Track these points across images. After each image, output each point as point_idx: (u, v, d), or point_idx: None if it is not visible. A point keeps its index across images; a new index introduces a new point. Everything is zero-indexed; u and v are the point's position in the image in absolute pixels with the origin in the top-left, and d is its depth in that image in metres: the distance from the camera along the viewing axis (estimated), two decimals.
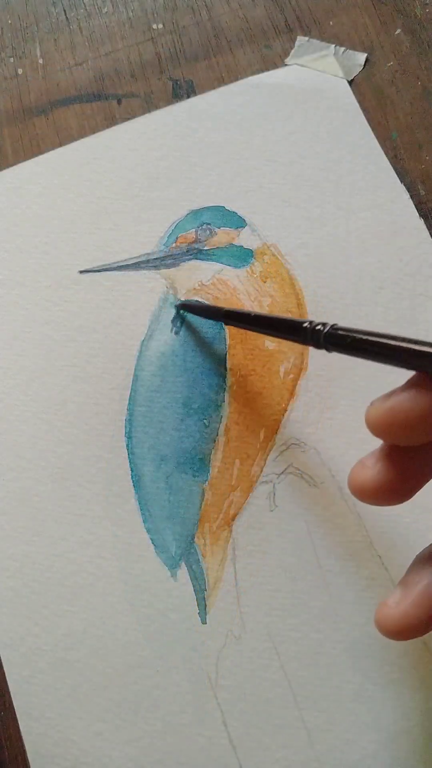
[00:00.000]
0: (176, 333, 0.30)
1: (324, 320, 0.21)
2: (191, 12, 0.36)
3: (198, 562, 0.28)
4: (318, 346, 0.20)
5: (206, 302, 0.30)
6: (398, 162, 0.32)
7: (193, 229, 0.32)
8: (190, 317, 0.30)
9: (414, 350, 0.17)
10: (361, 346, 0.19)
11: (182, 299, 0.31)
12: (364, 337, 0.19)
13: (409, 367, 0.18)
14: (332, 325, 0.20)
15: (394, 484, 0.19)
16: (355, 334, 0.19)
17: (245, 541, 0.28)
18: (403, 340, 0.18)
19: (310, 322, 0.21)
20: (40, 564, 0.28)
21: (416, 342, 0.17)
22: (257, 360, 0.29)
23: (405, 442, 0.19)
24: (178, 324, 0.30)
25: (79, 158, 0.34)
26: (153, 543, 0.28)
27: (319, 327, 0.20)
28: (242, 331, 0.30)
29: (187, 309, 0.30)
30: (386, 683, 0.25)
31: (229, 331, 0.30)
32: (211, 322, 0.30)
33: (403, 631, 0.19)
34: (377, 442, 0.22)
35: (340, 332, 0.20)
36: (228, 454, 0.29)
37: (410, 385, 0.18)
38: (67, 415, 0.30)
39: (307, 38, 0.35)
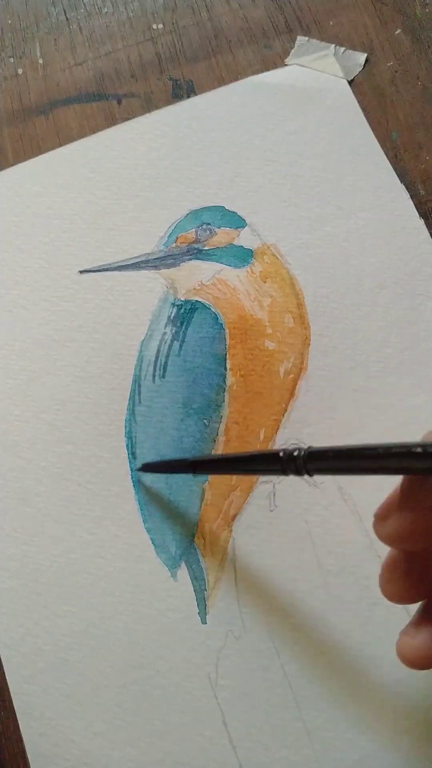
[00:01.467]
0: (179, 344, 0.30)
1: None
2: (191, 12, 0.36)
3: (198, 562, 0.28)
4: (299, 473, 0.19)
5: (165, 459, 0.29)
6: (398, 162, 0.32)
7: (193, 229, 0.32)
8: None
9: (395, 452, 0.17)
10: (340, 462, 0.18)
11: (182, 299, 0.31)
12: (343, 450, 0.18)
13: (395, 472, 0.17)
14: (308, 448, 0.19)
15: None
16: (331, 451, 0.18)
17: (245, 541, 0.28)
18: (380, 447, 0.17)
19: (284, 451, 0.19)
20: (40, 564, 0.28)
21: (394, 446, 0.17)
22: (257, 360, 0.29)
23: None
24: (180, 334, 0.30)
25: (79, 158, 0.34)
26: (153, 543, 0.28)
27: (295, 452, 0.19)
28: (242, 331, 0.30)
29: (149, 470, 0.28)
30: (386, 683, 0.25)
31: (229, 331, 0.30)
32: (210, 322, 0.30)
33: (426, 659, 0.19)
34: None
35: (316, 452, 0.19)
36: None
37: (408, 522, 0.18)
38: (67, 415, 0.30)
39: (307, 38, 0.35)
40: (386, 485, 0.28)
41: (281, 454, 0.19)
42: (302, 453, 0.19)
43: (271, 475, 0.20)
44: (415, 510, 0.18)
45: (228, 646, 0.26)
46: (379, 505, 0.19)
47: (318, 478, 0.28)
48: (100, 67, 0.36)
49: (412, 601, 0.20)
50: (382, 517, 0.19)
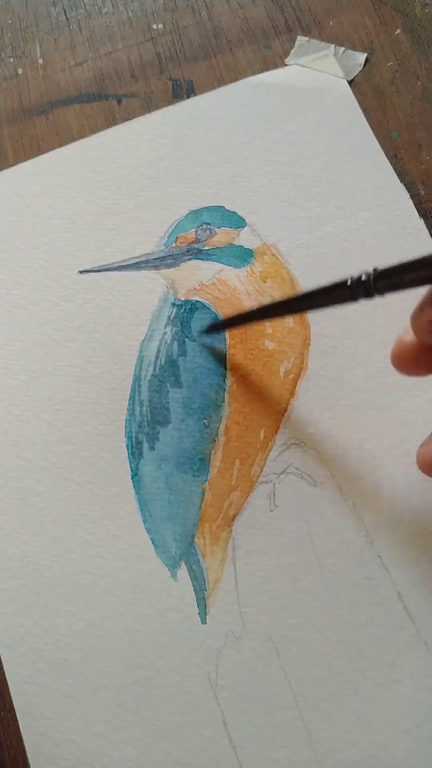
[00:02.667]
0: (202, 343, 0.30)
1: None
2: (191, 12, 0.36)
3: (198, 562, 0.28)
4: (370, 294, 0.20)
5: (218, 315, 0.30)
6: (398, 162, 0.32)
7: (193, 229, 0.32)
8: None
9: None
10: (410, 274, 0.18)
11: (182, 299, 0.31)
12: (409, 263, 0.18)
13: None
14: (375, 270, 0.20)
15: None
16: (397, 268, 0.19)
17: (245, 541, 0.28)
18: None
19: (350, 278, 0.20)
20: (40, 564, 0.28)
21: None
22: (257, 360, 0.29)
23: None
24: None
25: (79, 158, 0.34)
26: (153, 543, 0.28)
27: (363, 278, 0.20)
28: (242, 330, 0.30)
29: (216, 329, 0.30)
30: (386, 683, 0.25)
31: (228, 331, 0.30)
32: (210, 321, 0.30)
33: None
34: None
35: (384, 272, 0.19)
36: (228, 454, 0.29)
37: None
38: (67, 415, 0.30)
39: (307, 38, 0.35)
40: (386, 485, 0.28)
41: (348, 282, 0.20)
42: (370, 275, 0.19)
43: (342, 304, 0.21)
44: None
45: (228, 646, 0.26)
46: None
47: (318, 478, 0.28)
48: (100, 67, 0.36)
49: (424, 372, 0.22)
50: (420, 308, 0.20)
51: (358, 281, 0.20)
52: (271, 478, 0.28)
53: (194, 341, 0.30)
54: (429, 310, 0.20)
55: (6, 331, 0.31)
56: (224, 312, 0.30)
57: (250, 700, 0.26)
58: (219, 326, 0.30)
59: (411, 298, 0.20)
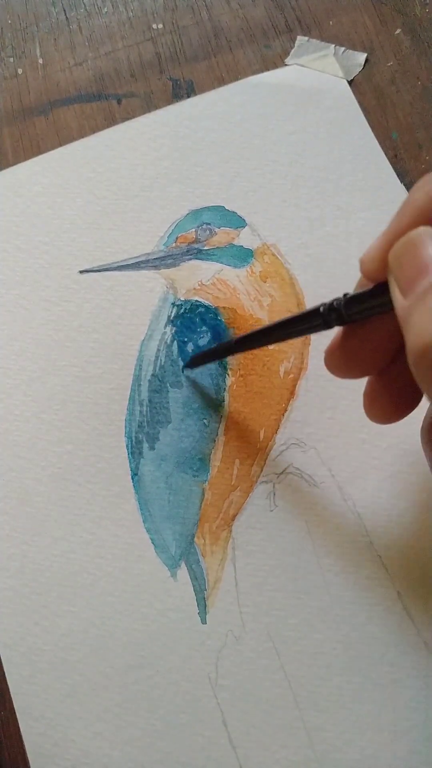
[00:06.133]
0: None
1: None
2: (191, 12, 0.36)
3: (198, 562, 0.28)
4: (342, 321, 0.20)
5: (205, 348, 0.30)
6: (398, 162, 0.32)
7: (193, 229, 0.32)
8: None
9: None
10: (378, 299, 0.19)
11: (182, 299, 0.31)
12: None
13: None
14: (345, 295, 0.20)
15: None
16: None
17: (245, 541, 0.28)
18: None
19: (323, 305, 0.20)
20: (40, 564, 0.28)
21: None
22: (257, 360, 0.29)
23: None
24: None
25: (79, 158, 0.34)
26: (153, 543, 0.28)
27: (334, 303, 0.20)
28: (243, 330, 0.30)
29: (194, 363, 0.29)
30: (386, 683, 0.25)
31: (229, 330, 0.30)
32: (210, 320, 0.30)
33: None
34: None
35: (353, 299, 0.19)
36: (228, 454, 0.29)
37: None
38: (67, 415, 0.30)
39: (307, 38, 0.35)
40: (387, 486, 0.28)
41: (321, 309, 0.20)
42: (341, 302, 0.20)
43: (315, 332, 0.21)
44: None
45: (228, 646, 0.26)
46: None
47: (318, 478, 0.28)
48: (100, 67, 0.36)
49: (393, 419, 0.23)
50: (328, 354, 0.22)
51: (329, 308, 0.20)
52: (271, 478, 0.28)
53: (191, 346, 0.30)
54: (338, 352, 0.21)
55: (6, 331, 0.31)
56: (224, 312, 0.30)
57: (250, 700, 0.26)
58: (198, 360, 0.29)
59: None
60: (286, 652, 0.26)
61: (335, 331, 0.22)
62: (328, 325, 0.20)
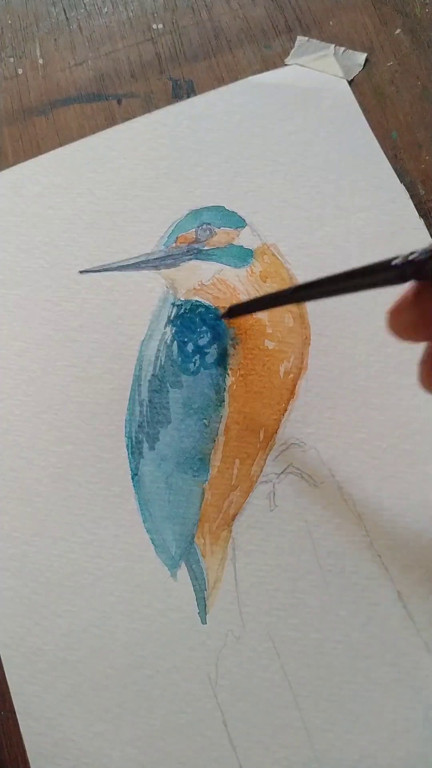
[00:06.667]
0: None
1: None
2: (191, 12, 0.36)
3: (198, 562, 0.28)
4: (419, 275, 0.18)
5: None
6: (398, 162, 0.32)
7: (193, 229, 0.32)
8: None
9: None
10: None
11: (182, 299, 0.31)
12: None
13: None
14: (425, 249, 0.18)
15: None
16: None
17: (245, 541, 0.28)
18: None
19: (397, 257, 0.19)
20: (40, 564, 0.28)
21: None
22: (257, 360, 0.29)
23: None
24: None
25: (79, 158, 0.34)
26: (153, 543, 0.28)
27: (410, 256, 0.18)
28: (243, 330, 0.30)
29: (238, 312, 0.28)
30: (386, 683, 0.25)
31: (228, 330, 0.30)
32: (210, 320, 0.30)
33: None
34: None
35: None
36: (228, 453, 0.29)
37: None
38: (67, 415, 0.30)
39: (307, 38, 0.35)
40: (387, 486, 0.28)
41: (395, 262, 0.19)
42: (425, 254, 0.18)
43: (387, 285, 0.19)
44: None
45: (228, 646, 0.26)
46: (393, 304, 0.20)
47: (318, 478, 0.28)
48: (100, 67, 0.36)
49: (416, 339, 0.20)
50: (396, 312, 0.20)
51: (406, 261, 0.18)
52: (271, 478, 0.28)
53: (194, 341, 0.30)
54: (409, 310, 0.19)
55: (6, 331, 0.31)
56: (224, 312, 0.30)
57: (250, 700, 0.26)
58: (239, 310, 0.29)
59: None
60: (286, 652, 0.26)
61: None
62: (403, 279, 0.19)
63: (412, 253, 0.18)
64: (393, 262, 0.19)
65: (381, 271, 0.19)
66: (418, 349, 0.21)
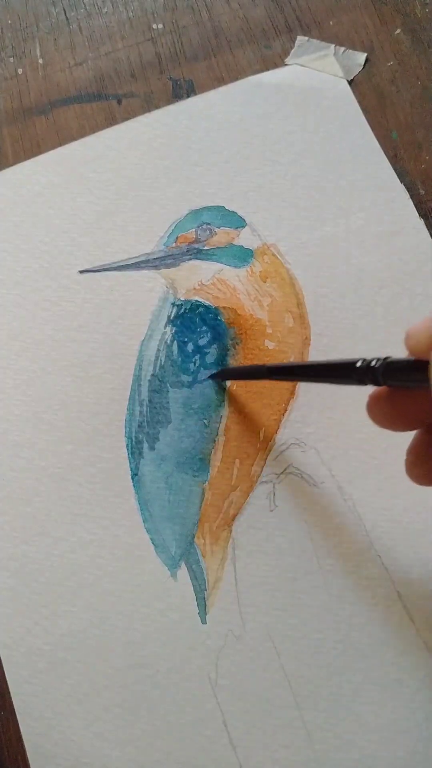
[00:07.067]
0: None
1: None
2: (191, 12, 0.36)
3: (198, 562, 0.28)
4: (376, 382, 0.19)
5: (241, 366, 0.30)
6: (398, 162, 0.32)
7: (193, 229, 0.32)
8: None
9: None
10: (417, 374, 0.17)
11: (182, 299, 0.31)
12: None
13: None
14: (385, 359, 0.19)
15: None
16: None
17: (245, 541, 0.28)
18: None
19: (363, 360, 0.19)
20: (40, 564, 0.28)
21: None
22: (257, 359, 0.29)
23: None
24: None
25: (79, 158, 0.34)
26: (153, 543, 0.28)
27: (372, 363, 0.19)
28: (243, 330, 0.30)
29: (223, 376, 0.29)
30: (386, 683, 0.25)
31: (228, 330, 0.30)
32: (210, 320, 0.30)
33: None
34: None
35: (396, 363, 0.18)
36: (228, 453, 0.29)
37: None
38: (67, 415, 0.30)
39: (307, 38, 0.35)
40: (387, 486, 0.28)
41: (358, 364, 0.19)
42: (380, 365, 0.18)
43: (348, 384, 0.20)
44: None
45: (228, 646, 0.26)
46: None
47: (318, 478, 0.28)
48: (100, 67, 0.36)
49: (394, 429, 0.20)
50: (371, 403, 0.20)
51: (367, 367, 0.19)
52: (271, 478, 0.28)
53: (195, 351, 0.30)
54: (383, 402, 0.19)
55: (6, 331, 0.31)
56: (224, 312, 0.30)
57: (250, 700, 0.26)
58: (224, 375, 0.29)
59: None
60: (286, 652, 0.26)
61: None
62: (361, 383, 0.19)
63: (374, 359, 0.19)
64: (357, 365, 0.19)
65: (346, 371, 0.20)
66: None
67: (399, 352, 0.29)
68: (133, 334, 0.31)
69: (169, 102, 0.34)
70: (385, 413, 0.20)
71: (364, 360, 0.19)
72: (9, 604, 0.28)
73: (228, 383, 0.29)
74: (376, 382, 0.19)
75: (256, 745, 0.25)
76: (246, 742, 0.25)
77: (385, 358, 0.19)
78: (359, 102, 0.33)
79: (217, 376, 0.29)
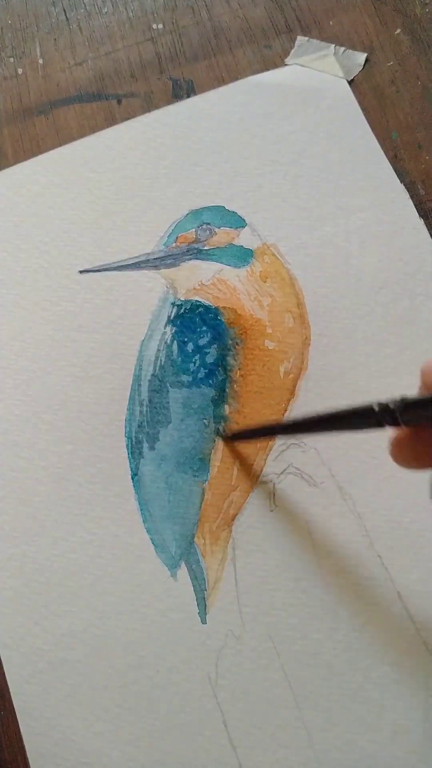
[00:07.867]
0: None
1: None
2: (191, 12, 0.36)
3: (198, 562, 0.28)
4: (395, 423, 0.18)
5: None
6: (398, 162, 0.32)
7: (193, 229, 0.32)
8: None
9: None
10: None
11: (182, 299, 0.31)
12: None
13: None
14: (402, 398, 0.18)
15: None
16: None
17: (245, 541, 0.28)
18: None
19: (378, 403, 0.19)
20: (40, 564, 0.28)
21: None
22: (257, 360, 0.29)
23: None
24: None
25: (79, 158, 0.34)
26: (153, 543, 0.28)
27: (390, 404, 0.18)
28: (243, 330, 0.30)
29: (237, 438, 0.29)
30: (386, 683, 0.25)
31: (228, 330, 0.30)
32: (210, 321, 0.30)
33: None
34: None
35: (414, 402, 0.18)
36: (228, 454, 0.29)
37: None
38: (67, 415, 0.30)
39: (307, 38, 0.35)
40: (387, 486, 0.28)
41: (375, 407, 0.19)
42: (398, 404, 0.18)
43: (369, 430, 0.20)
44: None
45: (228, 646, 0.26)
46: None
47: (318, 478, 0.28)
48: (100, 67, 0.36)
49: (420, 468, 0.20)
50: (394, 446, 0.20)
51: (384, 408, 0.19)
52: (271, 478, 0.28)
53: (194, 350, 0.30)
54: (405, 445, 0.19)
55: (6, 331, 0.31)
56: (224, 312, 0.30)
57: (250, 700, 0.26)
58: (241, 436, 0.29)
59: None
60: (286, 652, 0.26)
61: None
62: (381, 425, 0.19)
63: (390, 401, 0.19)
64: (375, 408, 0.19)
65: (364, 415, 0.20)
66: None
67: (399, 352, 0.29)
68: (133, 334, 0.31)
69: (169, 102, 0.34)
70: (408, 455, 0.20)
71: (379, 403, 0.19)
72: (9, 604, 0.28)
73: (228, 383, 0.29)
74: (395, 423, 0.19)
75: (256, 745, 0.25)
76: (246, 742, 0.25)
77: (401, 398, 0.18)
78: (359, 102, 0.33)
79: (232, 438, 0.29)
